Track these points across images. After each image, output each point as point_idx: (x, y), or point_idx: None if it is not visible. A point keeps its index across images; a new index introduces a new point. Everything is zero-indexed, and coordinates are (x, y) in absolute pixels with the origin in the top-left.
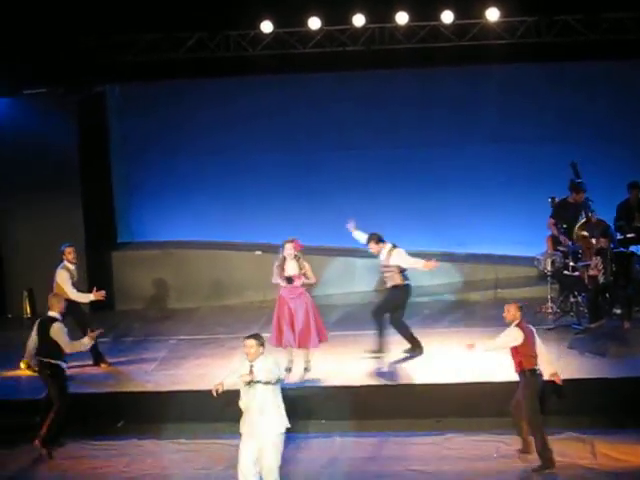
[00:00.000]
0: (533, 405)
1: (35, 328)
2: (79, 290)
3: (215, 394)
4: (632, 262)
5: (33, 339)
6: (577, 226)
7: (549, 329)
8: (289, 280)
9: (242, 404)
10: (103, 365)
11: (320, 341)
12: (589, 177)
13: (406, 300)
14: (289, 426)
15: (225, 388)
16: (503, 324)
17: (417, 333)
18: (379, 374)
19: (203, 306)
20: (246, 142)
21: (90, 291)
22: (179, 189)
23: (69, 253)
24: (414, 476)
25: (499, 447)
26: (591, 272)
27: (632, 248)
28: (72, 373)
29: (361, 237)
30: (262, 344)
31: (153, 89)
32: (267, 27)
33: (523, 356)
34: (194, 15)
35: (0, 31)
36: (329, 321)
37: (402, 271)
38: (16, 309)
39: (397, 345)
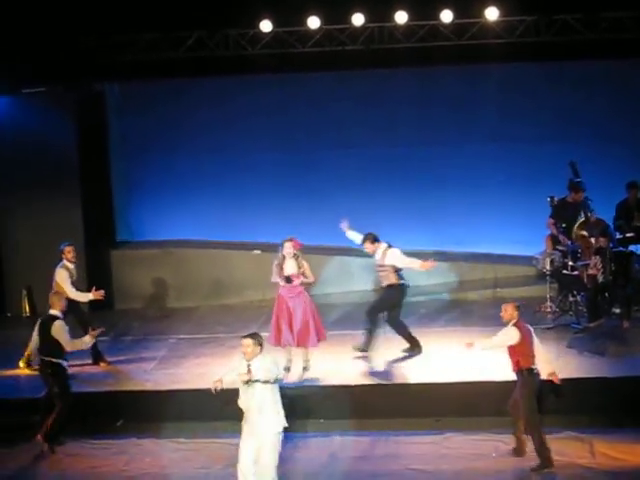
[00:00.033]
0: (531, 404)
1: (36, 328)
2: (78, 289)
3: (214, 392)
4: (631, 261)
5: (34, 340)
6: (576, 225)
7: (548, 328)
8: (288, 279)
9: (241, 403)
10: (102, 364)
11: (319, 340)
12: (588, 176)
13: (401, 299)
14: (287, 425)
15: (224, 386)
16: (502, 323)
17: (415, 332)
18: (378, 373)
19: (202, 305)
20: (245, 141)
21: (89, 290)
22: (178, 188)
23: (68, 252)
24: (413, 475)
25: (498, 446)
26: (590, 271)
27: (631, 247)
28: (72, 372)
29: (355, 237)
30: (260, 343)
31: (152, 88)
32: (266, 26)
33: (520, 355)
34: (193, 14)
35: (0, 31)
36: (328, 320)
37: (397, 270)
38: (15, 308)
39: (396, 345)
